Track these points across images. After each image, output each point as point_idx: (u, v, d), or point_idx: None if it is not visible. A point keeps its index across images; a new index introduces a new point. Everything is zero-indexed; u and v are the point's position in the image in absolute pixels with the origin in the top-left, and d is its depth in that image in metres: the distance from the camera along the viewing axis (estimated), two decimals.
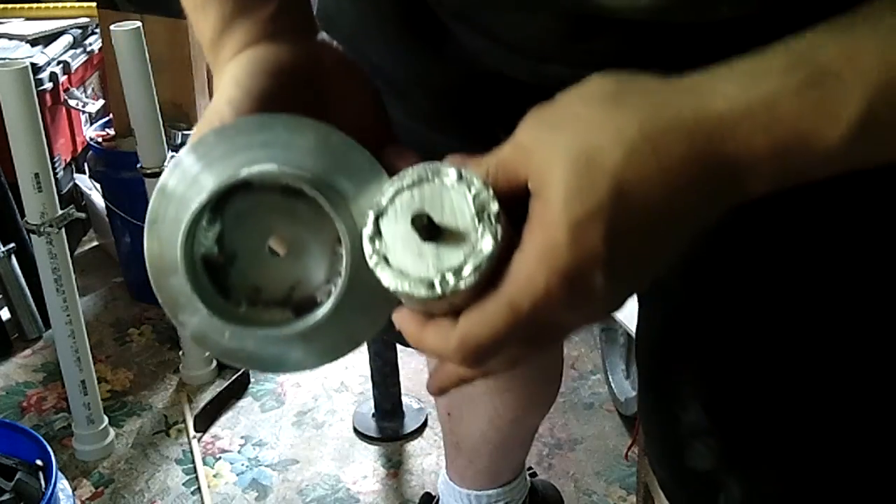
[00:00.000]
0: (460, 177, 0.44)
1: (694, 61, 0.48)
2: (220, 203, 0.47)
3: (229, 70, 0.51)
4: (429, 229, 0.44)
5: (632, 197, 0.40)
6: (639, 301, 0.69)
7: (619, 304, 0.45)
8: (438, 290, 0.43)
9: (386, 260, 0.45)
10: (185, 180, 0.48)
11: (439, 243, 0.44)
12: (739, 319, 0.62)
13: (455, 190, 0.44)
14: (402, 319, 0.47)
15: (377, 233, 0.45)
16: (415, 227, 0.44)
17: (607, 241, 0.40)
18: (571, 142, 0.40)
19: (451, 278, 0.43)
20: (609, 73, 0.43)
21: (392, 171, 0.48)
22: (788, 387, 0.61)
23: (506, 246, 0.43)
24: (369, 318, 0.49)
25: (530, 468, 1.42)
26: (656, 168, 0.40)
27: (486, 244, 0.43)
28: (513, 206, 0.43)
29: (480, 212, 0.43)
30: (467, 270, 0.43)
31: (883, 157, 0.41)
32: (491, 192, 0.43)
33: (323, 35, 0.55)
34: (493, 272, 0.43)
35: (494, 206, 0.43)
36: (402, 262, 0.44)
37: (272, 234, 0.48)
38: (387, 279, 0.44)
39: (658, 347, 0.69)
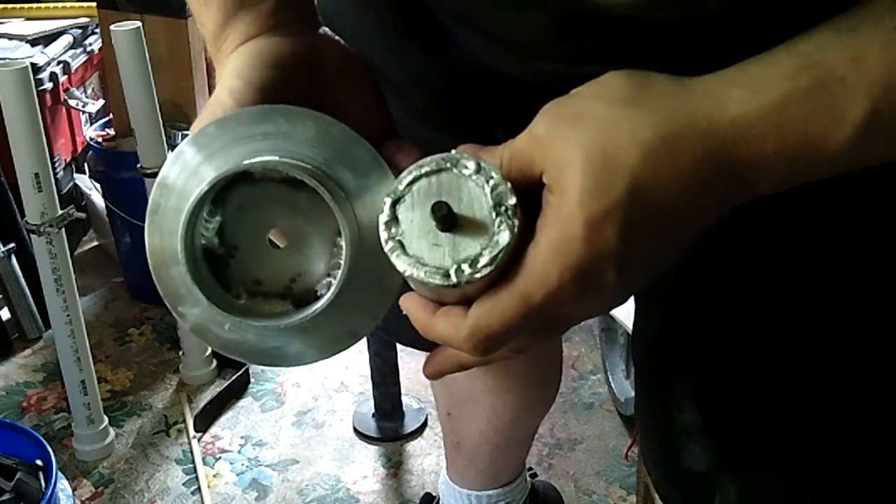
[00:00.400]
0: (479, 168, 0.44)
1: (684, 56, 0.48)
2: (221, 194, 0.47)
3: (231, 62, 0.51)
4: (447, 218, 0.44)
5: (646, 196, 0.41)
6: (635, 300, 0.69)
7: (625, 298, 0.46)
8: (454, 279, 0.44)
9: (402, 246, 0.45)
10: (185, 171, 0.48)
11: (456, 233, 0.44)
12: (734, 319, 0.62)
13: (473, 181, 0.44)
14: (411, 306, 0.47)
15: (394, 218, 0.45)
16: (434, 216, 0.44)
17: (621, 238, 0.41)
18: (590, 139, 0.41)
19: (466, 269, 0.43)
20: (625, 73, 0.44)
21: (392, 165, 0.49)
22: (783, 386, 0.61)
23: (519, 237, 0.44)
24: (368, 312, 0.49)
25: (531, 469, 1.42)
26: (671, 169, 0.41)
27: (504, 237, 0.43)
28: (525, 196, 0.44)
29: (498, 204, 0.44)
30: (483, 262, 0.43)
31: (886, 155, 0.42)
32: (509, 185, 0.44)
33: (325, 28, 0.55)
34: (507, 264, 0.44)
35: (512, 200, 0.44)
36: (419, 250, 0.45)
37: (273, 225, 0.48)
38: (402, 265, 0.45)
39: (654, 347, 0.69)
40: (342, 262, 0.46)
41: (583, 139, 0.41)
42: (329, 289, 0.47)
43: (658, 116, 0.41)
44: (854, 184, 0.48)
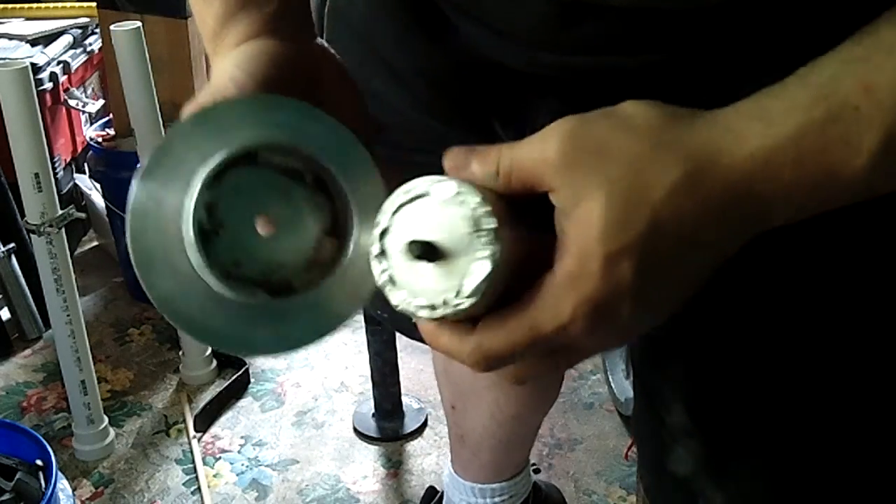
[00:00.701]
0: (457, 192, 0.43)
1: (682, 48, 0.48)
2: (221, 171, 0.47)
3: (232, 55, 0.52)
4: (426, 252, 0.43)
5: (665, 231, 0.41)
6: None
7: (637, 334, 0.46)
8: (439, 312, 0.43)
9: (392, 280, 0.44)
10: (187, 142, 0.48)
11: (439, 263, 0.43)
12: (723, 319, 0.62)
13: (452, 205, 0.43)
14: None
15: (382, 252, 0.45)
16: (411, 252, 0.43)
17: (637, 273, 0.41)
18: (619, 174, 0.41)
19: (451, 300, 0.43)
20: (647, 104, 0.43)
21: None
22: (772, 392, 0.61)
23: (520, 249, 0.43)
24: (340, 313, 0.49)
25: (534, 464, 1.42)
26: (692, 206, 0.41)
27: (482, 267, 0.42)
28: (524, 206, 0.43)
29: (476, 230, 0.42)
30: (466, 292, 0.42)
31: None
32: (488, 208, 0.42)
33: (321, 41, 0.56)
34: (498, 289, 0.43)
35: (491, 223, 0.42)
36: (406, 281, 0.44)
37: (263, 212, 0.48)
38: (395, 299, 0.44)
39: (648, 345, 0.69)
40: (334, 261, 0.46)
41: (610, 173, 0.41)
42: (308, 284, 0.47)
43: (684, 153, 0.41)
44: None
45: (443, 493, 1.39)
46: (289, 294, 0.48)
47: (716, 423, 0.63)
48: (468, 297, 0.42)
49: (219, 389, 1.79)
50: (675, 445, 0.65)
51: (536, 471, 1.45)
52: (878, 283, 0.58)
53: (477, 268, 0.42)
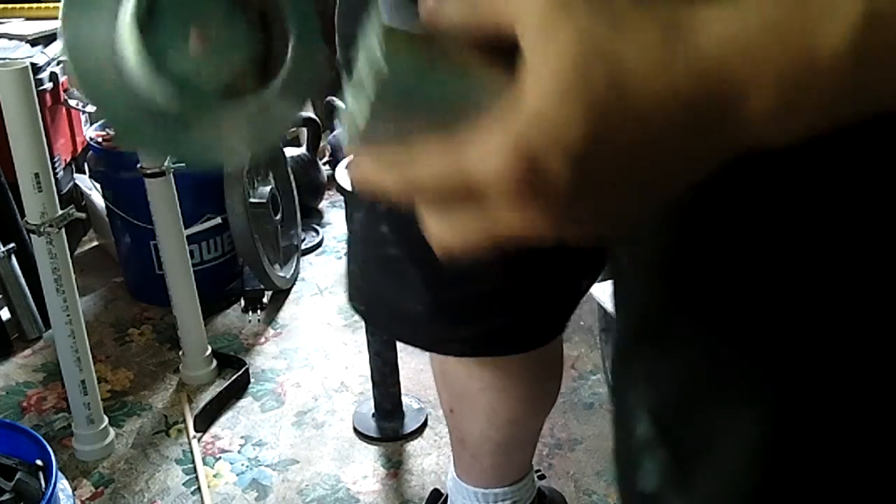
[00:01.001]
0: (383, 31, 0.42)
1: None
2: None
3: None
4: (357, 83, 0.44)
5: (629, 95, 0.39)
6: (616, 308, 0.68)
7: (573, 226, 0.43)
8: (351, 138, 0.43)
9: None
10: None
11: (357, 94, 0.43)
12: (686, 323, 0.60)
13: (373, 40, 0.42)
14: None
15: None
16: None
17: (586, 134, 0.38)
18: (596, 22, 0.39)
19: (351, 125, 0.42)
20: None
21: None
22: (736, 397, 0.59)
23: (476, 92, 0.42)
24: (237, 147, 0.51)
25: (538, 470, 1.42)
26: (662, 78, 0.39)
27: (355, 99, 0.42)
28: (495, 46, 0.42)
29: (370, 69, 0.41)
30: (359, 122, 0.42)
31: (891, 87, 0.39)
32: (378, 55, 0.41)
33: None
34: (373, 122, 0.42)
35: (369, 67, 0.41)
36: (345, 115, 0.45)
37: (200, 28, 0.49)
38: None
39: (616, 356, 0.67)
40: (253, 97, 0.48)
41: (590, 21, 0.39)
42: (219, 109, 0.48)
43: (664, 18, 0.39)
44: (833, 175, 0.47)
45: (447, 496, 1.39)
46: (197, 112, 0.49)
47: (679, 433, 0.62)
48: (354, 129, 0.42)
49: (219, 389, 1.79)
50: (642, 458, 0.63)
51: (541, 476, 1.45)
52: (862, 286, 0.57)
53: (354, 100, 0.42)
